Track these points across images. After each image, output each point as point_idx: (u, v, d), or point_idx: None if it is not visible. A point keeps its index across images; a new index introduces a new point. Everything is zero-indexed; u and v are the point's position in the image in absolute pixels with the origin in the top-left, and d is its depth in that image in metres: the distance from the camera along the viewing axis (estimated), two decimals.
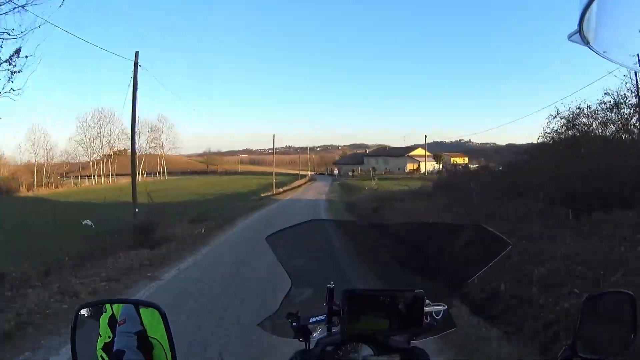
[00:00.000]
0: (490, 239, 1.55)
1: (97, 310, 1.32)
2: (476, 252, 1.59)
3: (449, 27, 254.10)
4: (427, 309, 1.36)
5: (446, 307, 1.45)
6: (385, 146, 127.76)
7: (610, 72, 15.09)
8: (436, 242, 1.65)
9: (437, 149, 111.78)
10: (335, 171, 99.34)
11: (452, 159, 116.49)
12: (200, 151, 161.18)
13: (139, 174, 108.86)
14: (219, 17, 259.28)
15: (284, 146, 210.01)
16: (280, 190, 54.32)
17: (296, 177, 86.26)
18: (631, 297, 1.39)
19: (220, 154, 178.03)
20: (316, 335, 1.44)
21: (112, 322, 1.28)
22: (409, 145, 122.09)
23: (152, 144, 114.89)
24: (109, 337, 1.27)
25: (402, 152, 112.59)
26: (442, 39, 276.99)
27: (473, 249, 1.58)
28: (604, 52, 0.79)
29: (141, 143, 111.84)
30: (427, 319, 1.37)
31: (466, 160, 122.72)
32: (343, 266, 1.72)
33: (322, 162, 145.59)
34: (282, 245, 1.62)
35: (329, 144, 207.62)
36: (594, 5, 0.72)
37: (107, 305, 1.31)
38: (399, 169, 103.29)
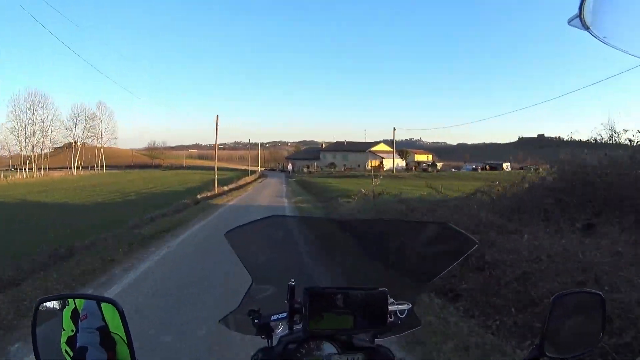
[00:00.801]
0: (455, 238, 1.52)
1: (58, 304, 1.29)
2: (441, 251, 1.56)
3: (396, 27, 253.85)
4: (391, 307, 1.36)
5: (410, 305, 1.45)
6: (344, 141, 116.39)
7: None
8: (401, 240, 1.59)
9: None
10: (290, 167, 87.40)
11: (415, 156, 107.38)
12: (148, 145, 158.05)
13: (73, 166, 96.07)
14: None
15: (233, 142, 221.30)
16: (225, 188, 41.88)
17: (245, 173, 79.02)
18: (600, 297, 1.41)
19: (168, 148, 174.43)
20: (279, 332, 1.43)
21: (75, 316, 1.26)
22: (370, 140, 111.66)
23: (90, 134, 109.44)
24: (72, 330, 1.25)
25: (363, 147, 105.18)
26: (395, 38, 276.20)
27: (438, 248, 1.56)
28: (604, 37, 0.79)
29: (77, 132, 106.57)
30: (391, 318, 1.37)
31: (430, 157, 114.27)
32: (305, 263, 1.65)
33: (272, 158, 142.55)
34: (241, 242, 1.55)
35: (279, 140, 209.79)
36: None
37: (70, 300, 1.29)
38: (359, 165, 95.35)
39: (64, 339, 1.25)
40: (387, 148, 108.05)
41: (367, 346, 1.37)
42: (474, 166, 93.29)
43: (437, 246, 1.56)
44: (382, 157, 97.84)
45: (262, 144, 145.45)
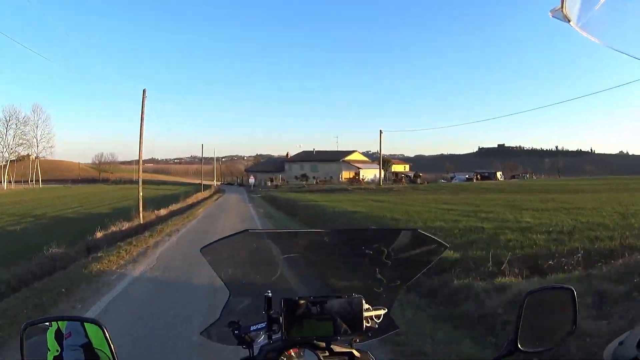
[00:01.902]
0: (426, 243, 1.60)
1: (43, 327, 1.35)
2: (414, 256, 1.62)
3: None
4: (366, 313, 1.42)
5: (386, 310, 1.52)
6: (312, 150, 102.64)
7: None
8: (375, 247, 1.58)
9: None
10: (252, 180, 72.76)
11: (393, 166, 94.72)
12: (95, 157, 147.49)
13: (3, 179, 78.42)
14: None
15: (189, 156, 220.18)
16: (162, 212, 27.86)
17: (199, 187, 68.11)
18: (572, 291, 1.46)
19: (119, 162, 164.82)
20: (260, 341, 1.50)
21: (59, 336, 1.33)
22: (343, 149, 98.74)
23: (21, 141, 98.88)
24: (57, 350, 1.31)
25: (336, 157, 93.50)
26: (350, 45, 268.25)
27: (411, 253, 1.61)
28: (584, 30, 0.82)
29: (8, 139, 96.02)
30: (367, 323, 1.43)
31: (407, 168, 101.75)
32: (281, 274, 1.65)
33: (229, 172, 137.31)
34: (217, 256, 1.59)
35: (234, 154, 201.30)
36: None
37: (54, 323, 1.35)
38: (331, 177, 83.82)
39: (50, 358, 1.30)
40: (362, 158, 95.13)
41: (346, 351, 1.43)
42: (467, 176, 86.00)
43: (410, 251, 1.60)
44: (359, 167, 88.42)
45: (217, 158, 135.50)
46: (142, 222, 22.61)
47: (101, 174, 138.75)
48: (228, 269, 1.62)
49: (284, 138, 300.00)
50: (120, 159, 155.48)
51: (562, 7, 0.81)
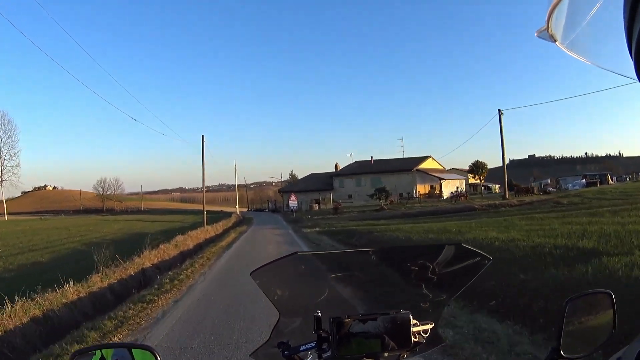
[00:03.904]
0: (470, 256, 1.60)
1: (90, 356, 1.37)
2: (458, 270, 1.62)
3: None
4: (414, 328, 1.43)
5: (433, 324, 1.52)
6: (370, 159, 79.13)
7: None
8: (420, 263, 1.60)
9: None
10: (293, 202, 47.49)
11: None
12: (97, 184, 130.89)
13: None
14: None
15: (217, 184, 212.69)
16: None
17: (217, 216, 53.26)
18: (610, 295, 1.46)
19: (151, 192, 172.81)
20: None
21: None
22: (410, 156, 73.50)
23: None
24: None
25: (407, 165, 70.10)
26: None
27: (455, 267, 1.62)
28: (571, 49, 0.84)
29: None
30: (415, 338, 1.44)
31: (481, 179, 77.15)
32: (330, 294, 1.67)
33: (257, 198, 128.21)
34: (266, 279, 1.59)
35: (263, 180, 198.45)
36: (563, 3, 0.77)
37: (98, 351, 1.37)
38: (402, 194, 63.53)
39: None
40: (437, 165, 69.29)
41: None
42: (582, 180, 72.15)
43: (454, 265, 1.60)
44: (440, 178, 67.77)
45: (246, 185, 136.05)
46: None
47: (105, 203, 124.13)
48: (277, 291, 1.62)
49: (324, 151, 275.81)
50: (127, 187, 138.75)
51: (547, 27, 0.84)
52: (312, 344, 1.45)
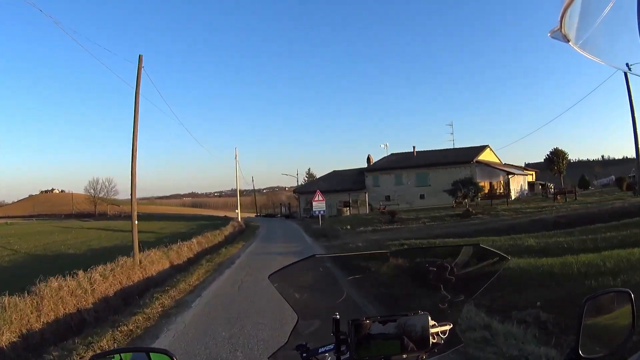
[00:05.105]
0: (488, 256, 1.63)
1: None
2: (477, 270, 1.64)
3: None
4: (432, 329, 1.44)
5: (452, 325, 1.53)
6: (412, 150, 62.28)
7: None
8: (438, 264, 1.63)
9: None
10: (319, 206, 30.89)
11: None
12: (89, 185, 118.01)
13: None
14: None
15: (230, 189, 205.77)
16: None
17: (212, 223, 43.43)
18: (629, 294, 1.46)
19: (162, 197, 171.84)
20: None
21: None
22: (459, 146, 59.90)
23: None
24: None
25: (464, 157, 53.14)
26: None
27: (474, 267, 1.63)
28: (583, 49, 0.85)
29: None
30: (434, 339, 1.45)
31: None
32: (347, 297, 1.70)
33: (270, 202, 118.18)
34: (284, 282, 1.64)
35: (276, 185, 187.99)
36: (576, 3, 0.78)
37: (117, 356, 1.39)
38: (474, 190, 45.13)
39: None
40: (495, 158, 58.49)
41: None
42: None
43: (473, 266, 1.62)
44: (509, 172, 50.73)
45: (258, 190, 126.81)
46: None
47: (97, 206, 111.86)
48: (295, 294, 1.65)
49: (348, 146, 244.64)
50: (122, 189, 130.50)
51: (560, 27, 0.83)
52: (331, 346, 1.44)
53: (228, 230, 34.15)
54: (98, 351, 6.76)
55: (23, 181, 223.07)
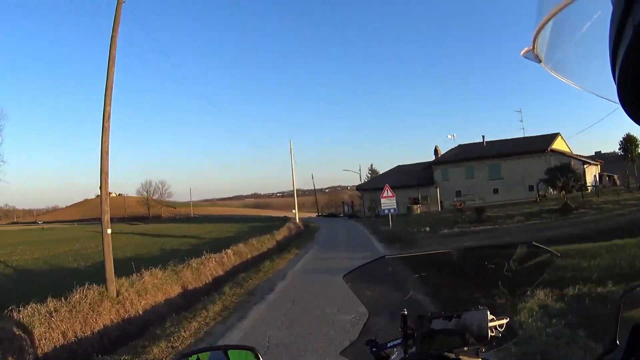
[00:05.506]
0: (541, 253, 1.71)
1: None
2: (530, 267, 1.71)
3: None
4: (491, 323, 1.50)
5: (508, 319, 1.59)
6: (481, 139, 55.97)
7: None
8: (496, 262, 1.71)
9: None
10: (388, 203, 26.26)
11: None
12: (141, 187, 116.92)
13: None
14: None
15: (291, 190, 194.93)
16: None
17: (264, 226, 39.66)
18: None
19: (224, 199, 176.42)
20: (394, 358, 1.57)
21: None
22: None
23: None
24: None
25: (538, 145, 47.34)
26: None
27: (528, 264, 1.70)
28: (555, 70, 0.86)
29: None
30: (492, 332, 1.51)
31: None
32: (414, 294, 1.77)
33: (332, 202, 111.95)
34: (357, 281, 1.73)
35: (337, 185, 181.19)
36: (548, 25, 0.78)
37: (194, 356, 1.44)
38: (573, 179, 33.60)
39: None
40: (566, 147, 51.74)
41: None
42: None
43: (527, 263, 1.70)
44: (586, 162, 44.99)
45: (320, 190, 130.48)
46: None
47: (150, 209, 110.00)
48: (367, 292, 1.76)
49: (410, 140, 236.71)
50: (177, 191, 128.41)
51: (533, 48, 0.85)
52: (399, 341, 1.50)
53: (282, 233, 30.19)
54: None
55: (79, 185, 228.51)
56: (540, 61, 0.85)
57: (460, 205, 34.27)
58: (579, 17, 0.73)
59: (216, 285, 13.30)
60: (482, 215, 26.90)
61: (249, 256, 19.04)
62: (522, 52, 0.88)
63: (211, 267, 14.62)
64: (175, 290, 11.78)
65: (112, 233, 10.73)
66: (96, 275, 11.39)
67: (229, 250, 17.48)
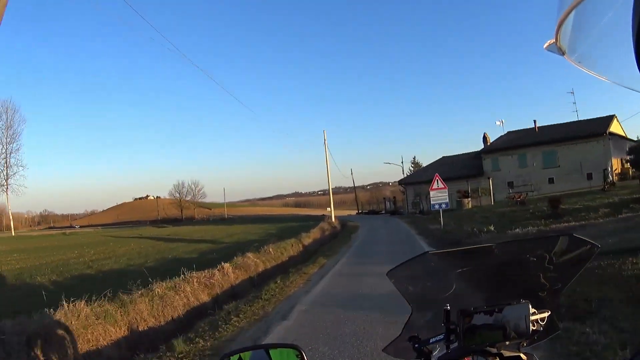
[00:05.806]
0: (581, 245, 1.67)
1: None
2: (571, 258, 1.70)
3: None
4: (532, 317, 1.50)
5: (550, 312, 1.60)
6: (533, 124, 51.01)
7: None
8: (536, 255, 1.69)
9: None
10: (439, 197, 23.73)
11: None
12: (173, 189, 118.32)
13: None
14: None
15: (333, 187, 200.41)
16: None
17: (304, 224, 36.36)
18: None
19: (265, 198, 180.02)
20: (436, 353, 1.58)
21: None
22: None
23: None
24: None
25: (595, 129, 42.20)
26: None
27: (568, 256, 1.69)
28: (579, 62, 0.85)
29: None
30: (534, 326, 1.51)
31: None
32: (456, 289, 1.75)
33: (374, 199, 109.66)
34: (400, 278, 1.74)
35: (379, 181, 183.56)
36: (570, 16, 0.78)
37: (236, 355, 1.46)
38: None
39: None
40: (621, 131, 46.09)
41: (514, 355, 1.49)
42: None
43: (567, 255, 1.67)
44: None
45: (361, 187, 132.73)
46: None
47: (184, 210, 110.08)
48: (410, 288, 1.75)
49: (456, 129, 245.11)
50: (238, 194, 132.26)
51: (556, 40, 0.84)
52: (441, 336, 1.51)
53: (312, 236, 25.63)
54: None
55: (118, 189, 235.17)
56: (563, 53, 0.85)
57: (519, 197, 29.59)
58: (600, 7, 0.72)
59: (186, 322, 9.05)
60: (558, 209, 21.14)
61: (259, 269, 14.44)
62: (545, 45, 0.87)
63: (188, 293, 10.03)
64: (110, 335, 7.48)
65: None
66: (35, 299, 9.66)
67: (226, 265, 12.77)
